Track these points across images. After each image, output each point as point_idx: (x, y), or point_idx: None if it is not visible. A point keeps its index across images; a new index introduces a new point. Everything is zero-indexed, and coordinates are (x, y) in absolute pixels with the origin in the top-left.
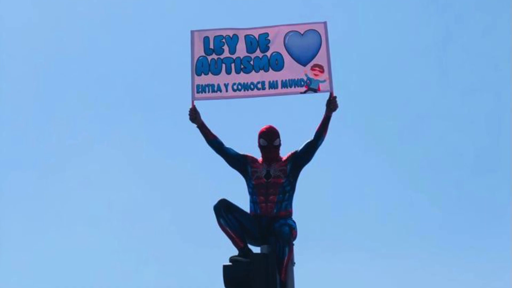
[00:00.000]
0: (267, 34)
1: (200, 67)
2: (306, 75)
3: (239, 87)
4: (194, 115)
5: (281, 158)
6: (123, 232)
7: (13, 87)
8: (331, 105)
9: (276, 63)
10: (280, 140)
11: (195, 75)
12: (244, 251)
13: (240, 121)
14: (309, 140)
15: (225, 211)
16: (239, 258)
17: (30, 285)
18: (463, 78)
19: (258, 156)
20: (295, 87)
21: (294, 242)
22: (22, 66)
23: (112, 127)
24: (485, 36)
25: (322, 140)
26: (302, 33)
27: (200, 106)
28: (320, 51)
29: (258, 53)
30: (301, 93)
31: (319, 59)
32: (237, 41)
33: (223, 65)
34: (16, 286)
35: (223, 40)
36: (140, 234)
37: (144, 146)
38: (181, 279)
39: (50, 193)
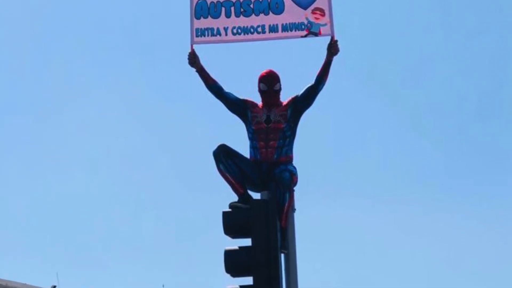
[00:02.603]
0: None
1: (200, 11)
2: (306, 18)
3: (239, 30)
4: (193, 59)
5: (281, 103)
6: (121, 178)
7: (9, 32)
8: (332, 49)
9: (277, 7)
10: (280, 85)
11: (194, 19)
12: (244, 197)
13: (240, 66)
14: (309, 85)
15: (224, 157)
16: (239, 204)
17: (28, 230)
18: (467, 21)
19: (258, 101)
20: (295, 30)
21: (294, 188)
22: (20, 10)
23: (110, 71)
24: None
25: (323, 84)
26: None
27: (199, 50)
28: None
29: None
30: (301, 37)
31: (320, 2)
32: None
33: (223, 9)
34: (14, 231)
35: None
36: (138, 179)
37: (142, 91)
38: (180, 225)
39: (48, 138)
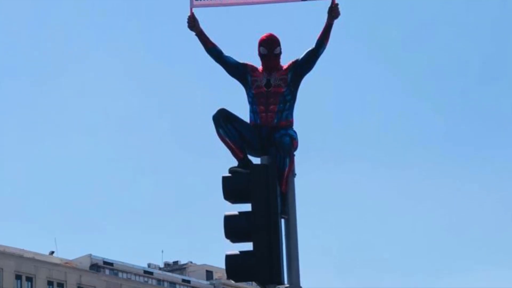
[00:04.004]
0: None
1: None
2: None
3: None
4: (193, 23)
5: (281, 67)
6: (120, 141)
7: None
8: (333, 12)
9: None
10: (280, 49)
11: None
12: (243, 162)
13: (240, 29)
14: (310, 49)
15: (224, 121)
16: (239, 169)
17: (25, 195)
18: None
19: (258, 65)
20: None
21: (295, 153)
22: None
23: (109, 35)
24: None
25: (324, 48)
26: None
27: (199, 13)
28: None
29: None
30: (302, 0)
31: None
32: None
33: None
34: (11, 197)
35: None
36: (137, 143)
37: (141, 54)
38: (179, 190)
39: (46, 102)
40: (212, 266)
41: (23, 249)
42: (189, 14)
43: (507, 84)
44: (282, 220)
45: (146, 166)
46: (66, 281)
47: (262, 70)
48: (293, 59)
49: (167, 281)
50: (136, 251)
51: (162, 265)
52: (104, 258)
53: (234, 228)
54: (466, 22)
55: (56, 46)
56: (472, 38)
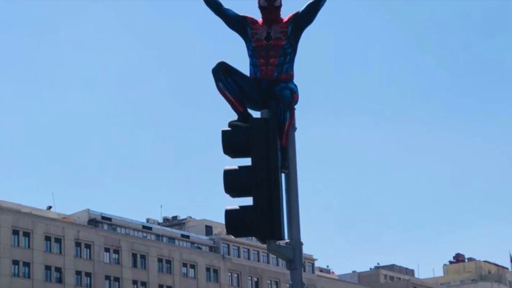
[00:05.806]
0: None
1: None
2: None
3: None
4: None
5: (282, 20)
6: (118, 95)
7: None
8: None
9: None
10: (281, 1)
11: None
12: (243, 115)
13: None
14: (311, 1)
15: (224, 74)
16: (239, 123)
17: (23, 149)
18: None
19: (259, 18)
20: None
21: (295, 106)
22: None
23: None
24: None
25: (324, 1)
26: None
27: None
28: None
29: None
30: None
31: None
32: None
33: None
34: (10, 150)
35: None
36: (136, 97)
37: (140, 7)
38: (178, 144)
39: (43, 55)
40: (211, 221)
41: (20, 204)
42: None
43: (510, 36)
44: (283, 175)
45: (145, 120)
46: (63, 236)
47: (262, 23)
48: (294, 12)
49: (166, 236)
50: (135, 206)
51: (161, 220)
52: (102, 213)
53: (234, 182)
54: None
55: None
56: None
